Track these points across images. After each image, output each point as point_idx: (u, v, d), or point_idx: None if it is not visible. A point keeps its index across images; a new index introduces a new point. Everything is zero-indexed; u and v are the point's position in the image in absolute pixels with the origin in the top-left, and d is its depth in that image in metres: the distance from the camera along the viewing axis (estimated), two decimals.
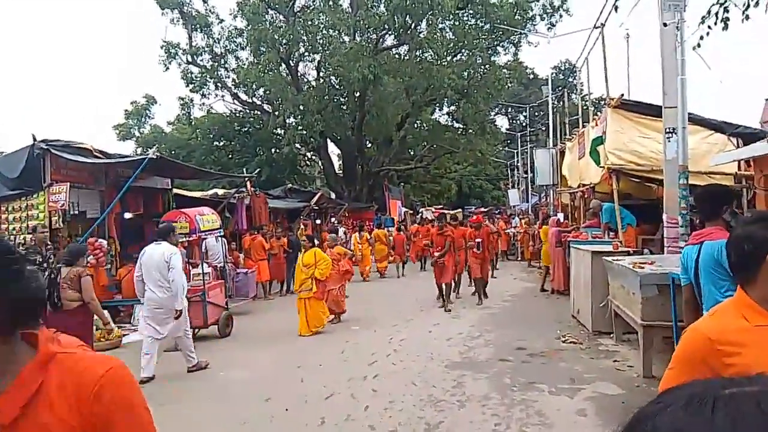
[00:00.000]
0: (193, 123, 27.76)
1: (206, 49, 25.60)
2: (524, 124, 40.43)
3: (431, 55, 24.15)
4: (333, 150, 30.02)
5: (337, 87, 25.07)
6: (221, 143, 29.20)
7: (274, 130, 25.94)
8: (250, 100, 26.66)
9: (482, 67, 25.39)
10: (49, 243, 8.60)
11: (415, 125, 29.14)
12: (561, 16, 25.96)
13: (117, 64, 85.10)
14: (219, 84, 25.90)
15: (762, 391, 0.55)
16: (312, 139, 24.58)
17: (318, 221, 20.43)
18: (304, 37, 22.87)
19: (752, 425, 0.51)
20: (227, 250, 11.87)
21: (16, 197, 9.41)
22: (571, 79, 28.43)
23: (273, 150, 27.74)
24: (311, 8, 24.09)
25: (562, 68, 42.97)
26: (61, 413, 1.11)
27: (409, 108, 25.78)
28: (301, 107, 22.79)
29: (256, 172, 18.79)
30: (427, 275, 13.32)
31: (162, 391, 6.09)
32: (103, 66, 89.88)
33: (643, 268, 6.00)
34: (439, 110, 30.86)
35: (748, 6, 5.23)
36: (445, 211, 23.90)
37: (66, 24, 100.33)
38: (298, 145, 26.06)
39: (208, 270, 9.30)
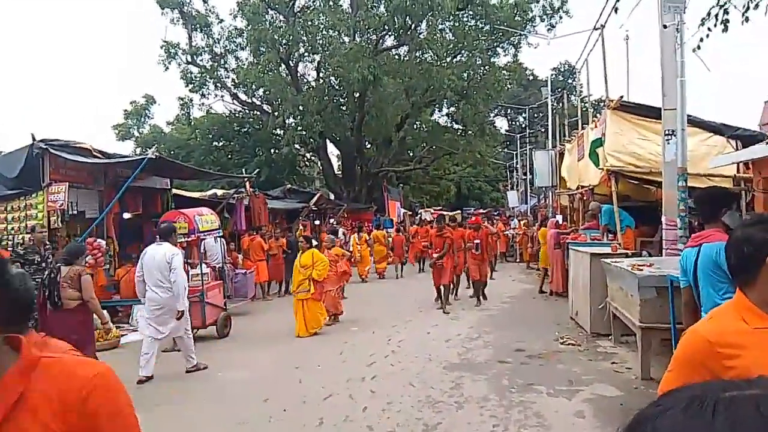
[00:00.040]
0: (192, 123, 27.76)
1: (206, 49, 25.61)
2: (523, 125, 40.44)
3: (431, 56, 24.19)
4: (332, 151, 30.07)
5: (337, 87, 25.09)
6: (220, 143, 29.20)
7: (274, 131, 25.95)
8: (249, 101, 26.68)
9: (482, 68, 25.41)
10: (47, 243, 8.59)
11: (415, 126, 29.17)
12: (561, 17, 26.03)
13: (117, 64, 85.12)
14: (218, 84, 25.91)
15: (762, 394, 0.55)
16: (311, 140, 24.60)
17: (317, 222, 20.43)
18: (304, 38, 22.88)
19: (752, 428, 0.51)
20: (226, 251, 11.86)
21: (15, 197, 9.40)
22: (570, 81, 28.43)
23: (272, 150, 27.75)
24: (311, 8, 24.11)
25: (562, 70, 42.97)
26: (45, 420, 1.09)
27: (408, 109, 25.79)
28: (301, 108, 22.80)
29: (255, 172, 18.79)
30: (426, 276, 13.31)
31: (160, 391, 6.08)
32: (103, 66, 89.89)
33: (641, 270, 6.00)
34: (439, 111, 30.92)
35: (748, 8, 5.24)
36: (444, 213, 23.91)
37: (66, 24, 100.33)
38: (297, 146, 26.08)
39: (206, 270, 9.29)
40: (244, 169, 20.73)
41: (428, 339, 8.34)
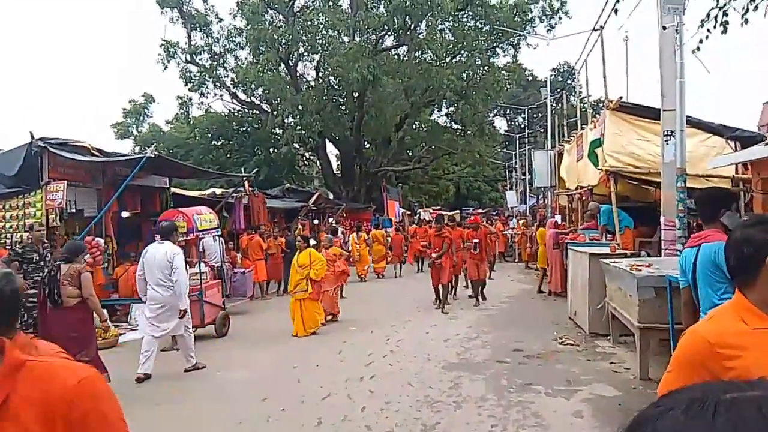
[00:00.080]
0: (191, 122, 27.74)
1: (205, 48, 25.58)
2: (523, 125, 40.45)
3: (430, 56, 24.19)
4: (331, 150, 30.04)
5: (336, 87, 25.08)
6: (219, 142, 29.16)
7: (273, 130, 25.94)
8: (248, 100, 26.66)
9: (481, 68, 25.42)
10: (45, 241, 8.57)
11: (414, 126, 29.17)
12: (560, 18, 26.03)
13: (117, 63, 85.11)
14: (218, 83, 25.89)
15: (763, 395, 0.55)
16: (310, 139, 24.58)
17: (316, 221, 20.42)
18: (304, 37, 22.86)
19: (754, 430, 0.51)
20: (225, 250, 11.85)
21: (14, 195, 9.38)
22: (569, 82, 28.48)
23: (271, 150, 27.73)
24: (311, 8, 24.09)
25: (561, 70, 43.00)
26: (28, 424, 1.05)
27: (407, 109, 25.79)
28: (300, 107, 22.78)
29: (254, 171, 18.78)
30: (425, 276, 13.31)
31: (159, 390, 6.08)
32: (103, 66, 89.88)
33: (640, 270, 6.01)
34: (438, 111, 30.91)
35: (747, 10, 5.24)
36: (443, 213, 23.92)
37: (66, 24, 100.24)
38: (296, 145, 26.05)
39: (205, 269, 9.29)
40: (243, 168, 20.72)
41: (427, 339, 8.34)
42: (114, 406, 1.16)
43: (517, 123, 45.98)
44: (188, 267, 9.03)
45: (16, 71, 79.85)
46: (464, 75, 24.94)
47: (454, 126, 30.12)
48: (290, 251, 13.27)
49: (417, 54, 24.58)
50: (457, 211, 30.90)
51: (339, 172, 29.81)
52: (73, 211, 9.94)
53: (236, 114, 28.67)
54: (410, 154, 32.23)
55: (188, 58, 25.15)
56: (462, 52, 25.09)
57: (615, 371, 6.33)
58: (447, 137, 29.05)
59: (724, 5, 5.34)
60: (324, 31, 23.10)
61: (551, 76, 32.91)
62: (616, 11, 7.86)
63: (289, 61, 24.79)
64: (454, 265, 11.26)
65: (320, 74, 25.50)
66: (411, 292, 13.30)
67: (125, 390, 5.91)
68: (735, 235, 1.61)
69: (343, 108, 26.09)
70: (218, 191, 15.25)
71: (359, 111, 24.92)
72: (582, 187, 12.13)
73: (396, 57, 25.80)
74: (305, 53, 24.89)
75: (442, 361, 6.97)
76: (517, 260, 20.98)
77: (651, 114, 8.89)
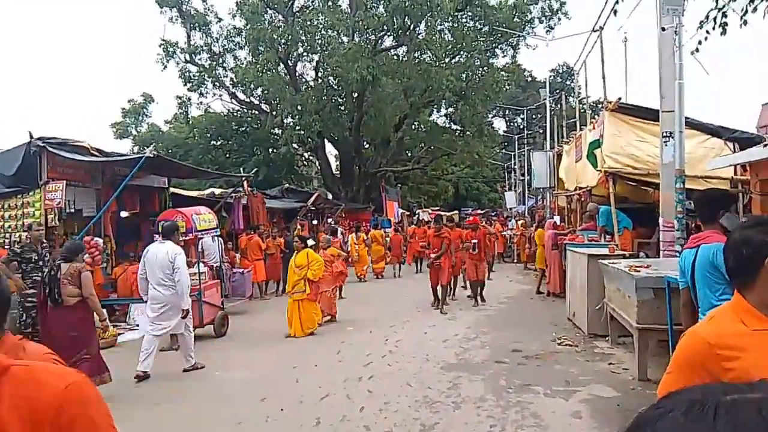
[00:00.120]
0: (190, 122, 27.72)
1: (204, 48, 25.58)
2: (522, 126, 40.50)
3: (430, 57, 24.20)
4: (330, 150, 30.05)
5: (336, 87, 25.07)
6: (218, 142, 29.15)
7: (272, 130, 25.93)
8: (247, 100, 26.65)
9: (480, 69, 25.44)
10: (44, 241, 8.55)
11: (413, 127, 29.18)
12: (560, 19, 26.08)
13: (116, 63, 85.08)
14: (217, 83, 25.88)
15: (763, 398, 0.55)
16: (309, 140, 24.57)
17: (315, 222, 20.42)
18: (303, 37, 22.86)
19: None
20: (224, 250, 11.85)
21: (12, 195, 9.37)
22: (568, 82, 28.48)
23: (270, 150, 27.72)
24: (310, 8, 24.09)
25: (560, 71, 43.03)
26: (13, 431, 1.02)
27: (407, 109, 25.79)
28: (299, 107, 22.78)
29: (253, 171, 18.77)
30: (423, 277, 13.32)
31: (158, 390, 6.08)
32: (102, 66, 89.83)
33: (639, 271, 6.01)
34: (437, 112, 30.93)
35: (746, 11, 5.25)
36: (442, 213, 23.92)
37: (65, 24, 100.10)
38: (295, 145, 26.05)
39: (204, 269, 9.28)
40: (242, 169, 20.71)
41: (426, 339, 8.34)
42: (102, 411, 1.13)
43: (516, 124, 46.04)
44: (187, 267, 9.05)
45: (16, 71, 79.81)
46: (463, 75, 24.96)
47: (453, 126, 30.13)
48: (289, 251, 13.25)
49: (416, 54, 24.58)
50: (456, 212, 30.86)
51: (338, 172, 29.81)
52: (72, 210, 9.93)
53: (235, 114, 28.65)
54: (409, 154, 32.23)
55: (187, 57, 25.14)
56: (461, 52, 25.11)
57: (613, 372, 6.33)
58: (446, 138, 29.06)
59: (723, 6, 5.35)
60: (323, 31, 23.10)
61: (550, 76, 32.94)
62: (615, 12, 7.88)
63: (289, 61, 24.79)
64: (453, 265, 11.26)
65: (319, 74, 25.50)
66: (410, 293, 13.30)
67: (124, 390, 5.91)
68: (734, 237, 1.61)
69: (343, 108, 26.09)
70: (217, 191, 15.24)
71: (358, 111, 24.92)
72: (581, 188, 12.14)
73: (395, 57, 25.81)
74: (304, 53, 24.89)
75: (440, 361, 6.97)
76: (515, 261, 20.98)
77: (650, 115, 8.91)
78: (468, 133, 28.05)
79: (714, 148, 8.99)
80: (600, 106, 11.64)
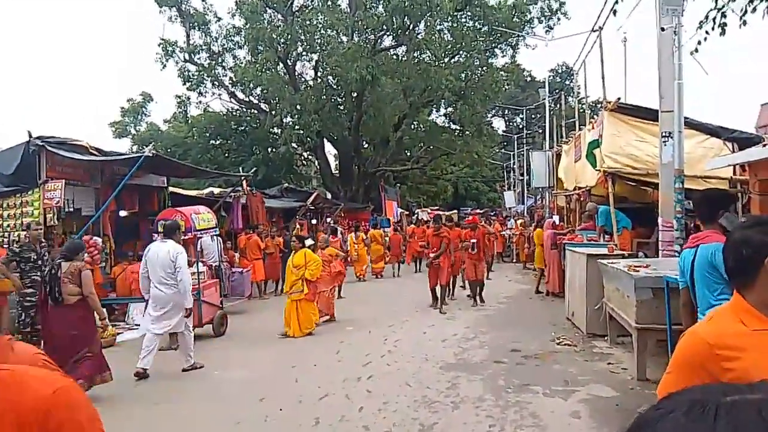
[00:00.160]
0: (189, 121, 27.72)
1: (204, 47, 25.58)
2: (521, 126, 40.52)
3: (429, 57, 24.20)
4: (330, 150, 30.06)
5: (335, 87, 25.07)
6: (217, 142, 29.14)
7: (271, 130, 25.92)
8: (247, 99, 26.64)
9: (480, 69, 25.44)
10: (43, 240, 8.54)
11: (412, 126, 29.18)
12: (559, 19, 26.12)
13: (116, 63, 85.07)
14: (216, 82, 25.87)
15: (763, 399, 0.55)
16: (309, 139, 24.58)
17: (314, 221, 20.41)
18: (302, 37, 22.86)
19: None
20: (223, 249, 11.85)
21: (11, 194, 9.35)
22: (568, 82, 28.51)
23: (269, 149, 27.71)
24: (309, 8, 24.09)
25: (560, 71, 43.07)
26: None
27: (406, 109, 25.80)
28: (299, 107, 22.78)
29: (252, 171, 18.74)
30: (423, 276, 13.30)
31: (156, 390, 6.08)
32: (102, 65, 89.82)
33: (638, 271, 6.01)
34: (436, 111, 30.95)
35: (746, 11, 5.26)
36: (441, 213, 23.93)
37: (65, 24, 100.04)
38: (294, 145, 26.05)
39: (203, 269, 9.28)
40: (241, 168, 20.71)
41: (425, 339, 8.34)
42: (91, 416, 1.11)
43: (515, 123, 46.05)
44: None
45: (16, 71, 79.73)
46: (463, 75, 24.97)
47: (453, 126, 30.14)
48: (288, 251, 13.24)
49: (416, 54, 24.59)
50: (455, 212, 30.90)
51: (337, 171, 29.80)
52: (71, 210, 9.91)
53: (234, 113, 28.64)
54: (408, 154, 32.24)
55: (187, 57, 25.13)
56: (460, 52, 25.11)
57: (612, 372, 6.33)
58: (445, 137, 29.08)
59: (723, 7, 5.35)
60: (323, 31, 23.10)
61: (550, 76, 32.98)
62: (614, 12, 7.86)
63: (288, 61, 24.78)
64: (452, 265, 11.26)
65: (319, 74, 25.49)
66: (409, 292, 13.29)
67: (123, 389, 5.91)
68: (733, 237, 1.61)
69: (342, 108, 26.08)
70: (216, 191, 15.23)
71: (358, 111, 24.92)
72: (580, 188, 12.14)
73: (395, 57, 25.81)
74: (304, 53, 24.89)
75: (439, 361, 6.97)
76: (515, 260, 20.98)
77: (649, 115, 8.92)
78: (467, 132, 28.06)
79: (713, 148, 9.00)
80: (599, 106, 11.65)
